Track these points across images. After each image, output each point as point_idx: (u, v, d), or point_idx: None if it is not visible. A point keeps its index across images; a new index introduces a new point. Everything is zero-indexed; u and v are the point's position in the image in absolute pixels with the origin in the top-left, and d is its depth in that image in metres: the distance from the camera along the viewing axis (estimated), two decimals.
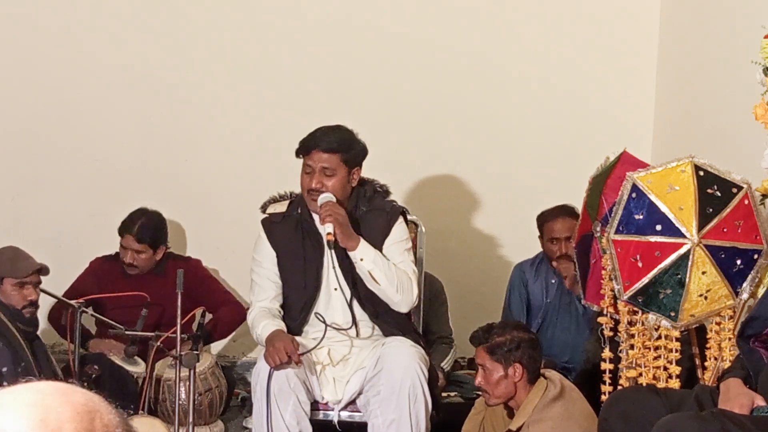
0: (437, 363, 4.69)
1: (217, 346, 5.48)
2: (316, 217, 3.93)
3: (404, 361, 3.72)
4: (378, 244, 3.88)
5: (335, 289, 3.91)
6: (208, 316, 4.69)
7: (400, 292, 3.83)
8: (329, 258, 3.89)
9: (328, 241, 3.74)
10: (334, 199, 3.82)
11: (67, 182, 5.57)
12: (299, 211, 3.95)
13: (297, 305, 3.93)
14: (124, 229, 4.94)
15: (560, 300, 4.92)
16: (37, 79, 5.55)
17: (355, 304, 3.89)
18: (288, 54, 5.61)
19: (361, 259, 3.79)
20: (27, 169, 5.58)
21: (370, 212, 3.92)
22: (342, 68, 5.62)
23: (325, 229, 3.76)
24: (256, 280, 4.01)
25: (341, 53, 5.61)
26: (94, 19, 5.56)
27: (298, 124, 5.58)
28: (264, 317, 3.88)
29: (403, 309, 3.90)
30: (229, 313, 4.93)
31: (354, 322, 3.89)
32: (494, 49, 5.64)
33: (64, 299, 4.53)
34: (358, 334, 3.90)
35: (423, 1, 5.66)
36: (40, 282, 4.26)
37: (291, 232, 3.94)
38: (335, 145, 3.85)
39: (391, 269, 3.82)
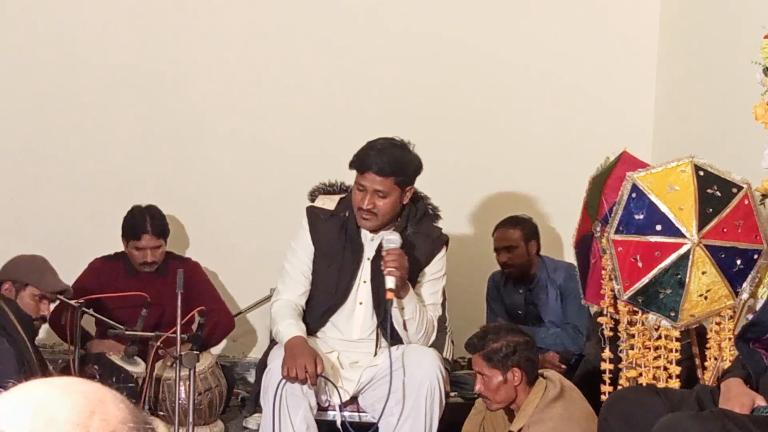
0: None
1: (217, 347, 5.48)
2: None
3: (425, 361, 3.72)
4: (417, 269, 3.86)
5: (360, 303, 3.89)
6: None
7: (421, 340, 3.84)
8: (363, 270, 3.87)
9: (387, 300, 3.67)
10: (400, 243, 3.74)
11: (67, 182, 5.58)
12: (347, 214, 3.89)
13: (319, 308, 3.90)
14: (138, 230, 4.89)
15: (527, 312, 5.00)
16: (37, 79, 5.55)
17: (375, 321, 3.87)
18: (289, 54, 5.61)
19: (402, 308, 3.77)
20: (27, 169, 5.58)
21: (417, 235, 3.88)
22: (343, 67, 5.62)
23: (387, 284, 3.68)
24: (289, 269, 3.93)
25: (342, 52, 5.61)
26: (94, 19, 5.56)
27: (298, 123, 5.62)
28: (288, 314, 3.82)
29: None
30: (221, 324, 4.93)
31: (377, 342, 3.88)
32: (495, 49, 5.64)
33: (65, 300, 4.53)
34: (375, 353, 3.89)
35: None
36: (56, 300, 4.27)
37: (334, 234, 3.88)
38: (389, 169, 3.77)
39: (423, 322, 3.82)
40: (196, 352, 3.96)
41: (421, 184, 5.58)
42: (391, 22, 5.62)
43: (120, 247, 5.07)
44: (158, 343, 4.29)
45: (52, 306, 4.42)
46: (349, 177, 3.98)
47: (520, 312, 5.01)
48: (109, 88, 5.57)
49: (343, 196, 3.97)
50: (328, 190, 4.05)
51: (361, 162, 3.81)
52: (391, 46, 5.61)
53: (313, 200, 4.02)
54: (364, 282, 3.87)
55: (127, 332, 4.53)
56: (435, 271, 3.92)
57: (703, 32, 5.14)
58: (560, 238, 5.45)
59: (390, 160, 3.79)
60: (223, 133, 5.65)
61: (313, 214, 3.94)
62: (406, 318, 3.77)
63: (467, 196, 5.63)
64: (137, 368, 4.63)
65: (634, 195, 3.43)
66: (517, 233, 4.98)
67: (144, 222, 4.90)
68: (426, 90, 5.63)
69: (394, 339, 3.83)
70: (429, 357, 3.74)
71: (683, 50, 5.39)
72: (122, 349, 4.66)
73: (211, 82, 5.63)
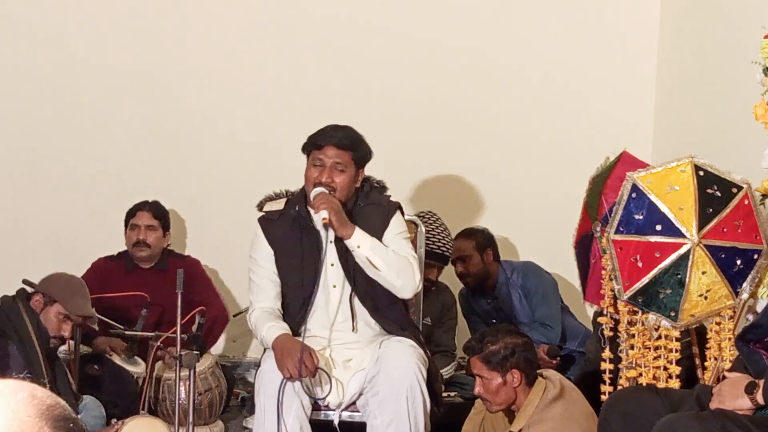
0: (438, 366, 4.71)
1: (217, 346, 5.48)
2: (315, 215, 3.92)
3: (403, 361, 3.71)
4: (377, 235, 3.88)
5: (333, 286, 3.89)
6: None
7: (401, 277, 3.81)
8: (327, 255, 3.88)
9: (324, 224, 3.73)
10: (326, 192, 3.83)
11: (67, 182, 5.58)
12: (297, 208, 3.93)
13: (295, 304, 3.90)
14: (137, 209, 5.05)
15: (500, 320, 5.02)
16: (37, 80, 5.55)
17: (355, 300, 3.88)
18: (288, 54, 5.61)
19: (358, 246, 3.79)
20: (27, 169, 5.58)
21: (368, 206, 3.93)
22: (342, 67, 5.62)
23: (320, 216, 3.74)
24: (255, 280, 3.97)
25: (342, 52, 5.61)
26: (94, 20, 5.57)
27: (298, 124, 5.60)
28: (267, 319, 3.83)
29: (407, 294, 3.89)
30: (217, 318, 4.94)
31: (353, 317, 3.89)
32: (495, 49, 5.64)
33: None
34: (354, 329, 3.89)
35: (423, 0, 5.67)
36: (80, 325, 4.25)
37: (288, 230, 3.92)
38: (348, 142, 3.86)
39: (389, 255, 3.81)
40: (196, 352, 3.96)
41: (422, 185, 5.62)
42: (391, 25, 5.62)
43: (121, 246, 5.09)
44: (158, 343, 4.29)
45: None
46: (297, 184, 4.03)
47: (494, 321, 5.04)
48: (109, 89, 5.57)
49: (289, 198, 4.02)
50: (273, 197, 4.09)
51: (319, 138, 3.89)
52: (391, 49, 5.61)
53: (261, 209, 4.05)
54: (332, 265, 3.88)
55: (127, 332, 4.53)
56: (396, 231, 3.93)
57: (703, 32, 5.14)
58: (560, 239, 5.44)
59: (348, 134, 3.90)
60: (223, 133, 5.65)
61: (264, 220, 4.00)
62: (366, 255, 3.78)
63: (468, 197, 5.64)
64: (137, 368, 4.64)
65: (634, 195, 3.43)
66: (470, 243, 5.07)
67: (144, 203, 5.07)
68: (426, 92, 5.63)
69: (378, 307, 3.86)
70: (406, 356, 3.72)
71: (683, 50, 5.39)
72: (126, 345, 4.67)
73: (210, 82, 5.62)
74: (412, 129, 5.62)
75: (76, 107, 5.57)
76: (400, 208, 4.02)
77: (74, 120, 5.58)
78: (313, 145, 3.89)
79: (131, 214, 5.06)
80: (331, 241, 3.89)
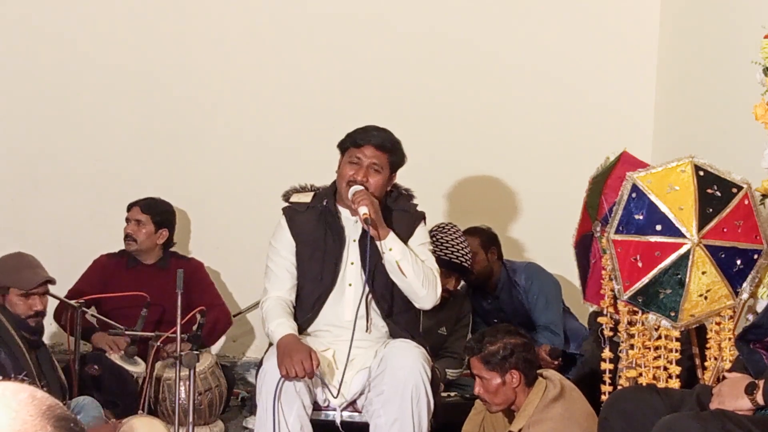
0: (443, 366, 4.71)
1: (217, 346, 5.48)
2: (342, 211, 3.93)
3: (408, 361, 3.71)
4: (403, 241, 3.90)
5: (350, 284, 3.90)
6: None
7: (426, 287, 3.83)
8: (348, 253, 3.89)
9: (365, 219, 3.72)
10: (362, 188, 3.84)
11: (67, 182, 5.58)
12: (325, 203, 3.94)
13: (310, 298, 3.91)
14: (133, 203, 5.07)
15: (500, 319, 5.01)
16: (37, 80, 5.55)
17: (370, 301, 3.88)
18: (289, 53, 5.61)
19: (390, 249, 3.80)
20: (27, 169, 5.58)
21: (395, 212, 3.95)
22: (343, 67, 5.62)
23: (361, 211, 3.75)
24: (273, 268, 3.96)
25: (344, 51, 5.61)
26: (94, 19, 5.56)
27: (299, 124, 5.62)
28: (279, 313, 3.83)
29: (427, 305, 3.90)
30: (220, 321, 4.95)
31: (367, 317, 3.88)
32: (495, 49, 5.64)
33: (65, 300, 4.54)
34: (368, 329, 3.89)
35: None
36: (47, 291, 4.23)
37: (313, 224, 3.93)
38: (388, 144, 3.90)
39: (418, 263, 3.84)
40: (196, 352, 3.96)
41: (421, 185, 5.60)
42: (392, 23, 5.62)
43: (121, 245, 5.10)
44: (158, 343, 4.29)
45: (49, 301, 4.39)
46: (322, 179, 4.04)
47: (496, 321, 5.03)
48: (109, 89, 5.57)
49: (316, 192, 4.02)
50: (299, 190, 4.09)
51: (359, 136, 3.89)
52: (392, 47, 5.61)
53: (287, 200, 4.05)
54: (352, 264, 3.89)
55: (127, 332, 4.53)
56: (419, 241, 3.96)
57: (703, 32, 5.14)
58: (560, 239, 5.45)
59: (388, 137, 3.93)
60: (223, 134, 5.64)
61: (290, 210, 4.00)
62: (397, 259, 3.79)
63: (468, 196, 5.63)
64: (137, 368, 4.64)
65: (634, 195, 3.43)
66: (475, 241, 5.07)
67: (143, 199, 5.09)
68: (426, 91, 5.63)
69: (392, 312, 3.87)
70: (412, 356, 3.73)
71: (683, 50, 5.39)
72: (124, 342, 4.67)
73: (211, 82, 5.62)
74: (411, 129, 5.58)
75: (76, 107, 5.57)
76: (424, 219, 4.04)
77: (74, 120, 5.58)
78: (352, 143, 3.90)
79: (128, 208, 5.09)
80: (354, 240, 3.90)
